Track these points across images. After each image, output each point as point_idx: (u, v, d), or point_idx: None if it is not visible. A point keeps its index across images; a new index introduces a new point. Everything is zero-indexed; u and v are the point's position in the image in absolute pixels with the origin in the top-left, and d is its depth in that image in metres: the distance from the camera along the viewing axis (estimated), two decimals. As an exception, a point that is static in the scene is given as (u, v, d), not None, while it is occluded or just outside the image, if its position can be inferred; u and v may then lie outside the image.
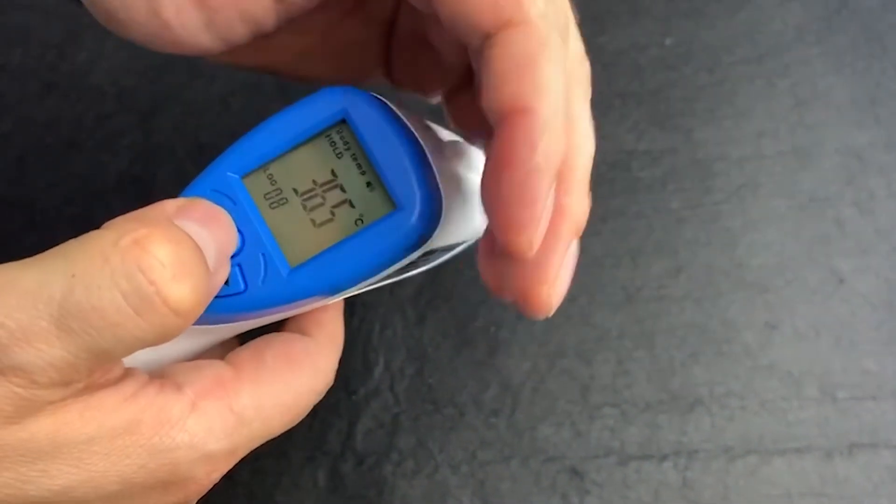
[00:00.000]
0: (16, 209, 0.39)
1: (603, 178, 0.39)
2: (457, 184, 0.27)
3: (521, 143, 0.21)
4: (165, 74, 0.42)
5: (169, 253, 0.21)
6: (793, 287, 0.37)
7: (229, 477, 0.36)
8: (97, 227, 0.22)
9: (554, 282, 0.23)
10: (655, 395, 0.36)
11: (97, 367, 0.22)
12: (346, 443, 0.36)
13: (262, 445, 0.36)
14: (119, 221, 0.22)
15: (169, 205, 0.23)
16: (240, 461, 0.35)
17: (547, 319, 0.37)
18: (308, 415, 0.36)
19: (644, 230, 0.38)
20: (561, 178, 0.23)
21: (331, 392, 0.37)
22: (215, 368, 0.26)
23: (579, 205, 0.24)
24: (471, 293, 0.38)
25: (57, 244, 0.21)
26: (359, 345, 0.37)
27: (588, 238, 0.38)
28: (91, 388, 0.22)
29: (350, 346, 0.37)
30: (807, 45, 0.41)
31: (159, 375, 0.25)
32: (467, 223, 0.29)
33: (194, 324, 0.26)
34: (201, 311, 0.22)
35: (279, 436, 0.36)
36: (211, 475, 0.26)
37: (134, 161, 0.40)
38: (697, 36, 0.41)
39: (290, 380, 0.27)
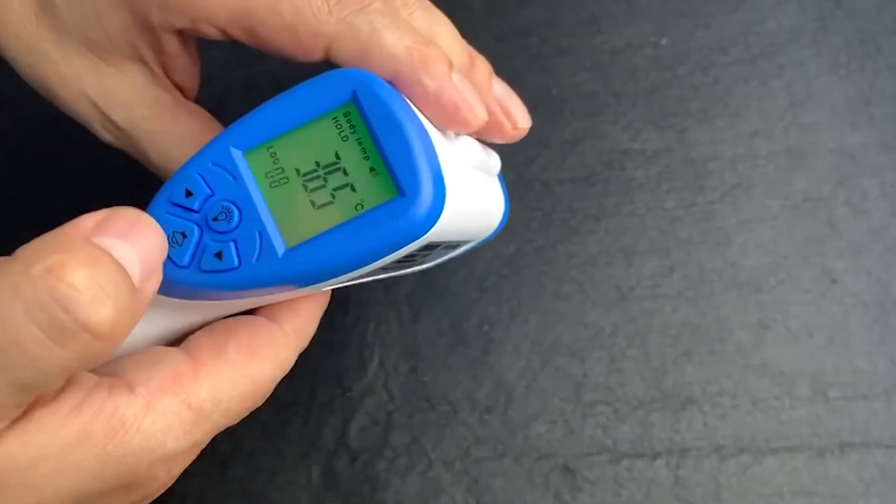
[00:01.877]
0: (13, 205, 0.40)
1: (597, 178, 0.39)
2: (461, 178, 0.27)
3: (419, 89, 0.26)
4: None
5: (84, 277, 0.20)
6: (785, 286, 0.38)
7: (223, 472, 0.36)
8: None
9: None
10: (648, 393, 0.36)
11: (26, 400, 0.21)
12: (341, 440, 0.36)
13: (256, 441, 0.37)
14: (31, 248, 0.21)
15: (86, 221, 0.22)
16: (234, 457, 0.35)
17: (541, 318, 0.37)
18: (302, 411, 0.37)
19: (638, 229, 0.39)
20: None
21: (325, 389, 0.37)
22: (172, 361, 0.25)
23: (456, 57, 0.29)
24: (465, 291, 0.38)
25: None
26: (353, 342, 0.37)
27: (582, 237, 0.39)
28: (28, 412, 0.22)
29: (344, 343, 0.37)
30: (801, 45, 0.41)
31: (110, 374, 0.24)
32: (470, 221, 0.29)
33: (183, 297, 0.25)
34: (129, 330, 0.22)
35: (273, 432, 0.37)
36: (172, 471, 0.25)
37: (131, 158, 0.41)
38: (693, 36, 0.41)
39: (250, 371, 0.26)
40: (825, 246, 0.38)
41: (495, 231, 0.32)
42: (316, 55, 0.27)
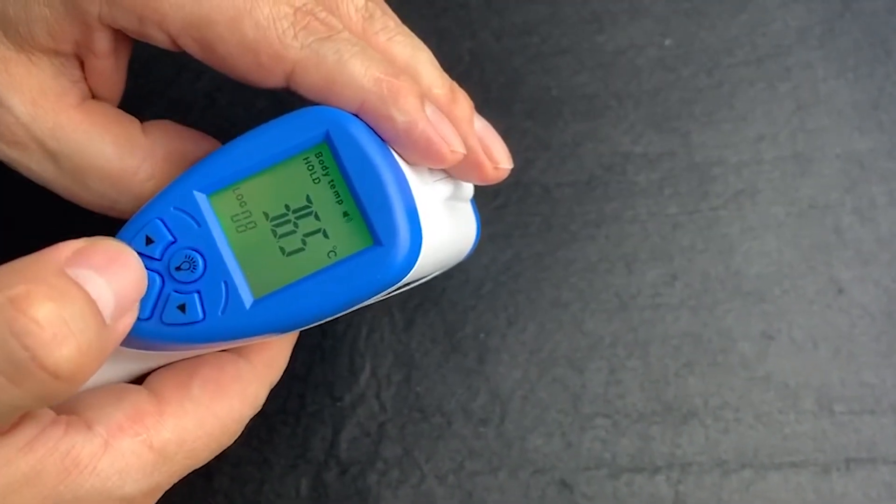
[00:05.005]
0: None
1: (598, 182, 0.38)
2: (436, 216, 0.26)
3: (387, 123, 0.24)
4: (151, 70, 0.41)
5: (49, 312, 0.19)
6: (790, 296, 0.37)
7: (208, 483, 0.35)
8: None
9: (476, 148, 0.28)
10: (648, 405, 0.35)
11: None
12: (330, 451, 0.35)
13: (244, 451, 0.35)
14: None
15: (64, 250, 0.21)
16: (220, 468, 0.34)
17: (539, 326, 0.36)
18: (291, 420, 0.36)
19: (639, 235, 0.38)
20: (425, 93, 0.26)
21: (315, 398, 0.36)
22: (134, 400, 0.24)
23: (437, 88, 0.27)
24: (461, 298, 0.37)
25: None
26: (345, 350, 0.36)
27: (582, 242, 0.38)
28: None
29: (336, 351, 0.36)
30: (809, 48, 0.40)
31: (68, 411, 0.23)
32: (443, 256, 0.28)
33: (144, 349, 0.24)
34: (93, 371, 0.20)
35: (260, 441, 0.35)
36: None
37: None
38: (697, 37, 0.40)
39: (216, 409, 0.25)
40: (831, 254, 0.37)
41: (467, 255, 0.32)
42: (274, 81, 0.25)
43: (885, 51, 0.40)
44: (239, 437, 0.35)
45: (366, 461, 0.35)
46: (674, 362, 0.36)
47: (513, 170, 0.38)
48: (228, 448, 0.35)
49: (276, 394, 0.36)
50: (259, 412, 0.35)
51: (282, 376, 0.36)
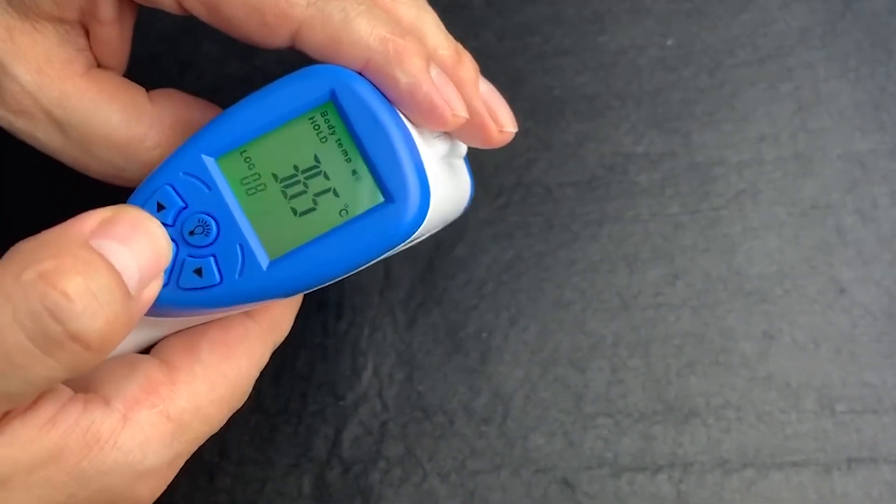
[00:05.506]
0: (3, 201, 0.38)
1: (599, 182, 0.38)
2: (439, 169, 0.26)
3: (391, 83, 0.24)
4: (154, 67, 0.41)
5: (78, 286, 0.19)
6: (792, 296, 0.37)
7: (211, 483, 0.35)
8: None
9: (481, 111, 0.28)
10: (650, 405, 0.35)
11: (7, 409, 0.20)
12: (333, 450, 0.35)
13: (246, 450, 0.35)
14: (25, 249, 0.20)
15: (88, 221, 0.21)
16: (223, 467, 0.34)
17: (541, 326, 0.36)
18: (293, 420, 0.36)
19: (641, 235, 0.38)
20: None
21: (317, 397, 0.36)
22: (146, 371, 0.24)
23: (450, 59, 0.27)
24: (462, 297, 0.37)
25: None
26: (347, 349, 0.36)
27: (584, 242, 0.38)
28: (0, 425, 0.21)
29: (338, 350, 0.36)
30: (810, 48, 0.40)
31: (84, 388, 0.23)
32: (446, 212, 0.28)
33: (162, 315, 0.24)
34: (120, 341, 0.21)
35: (263, 440, 0.36)
36: (155, 490, 0.24)
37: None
38: (699, 37, 0.40)
39: (226, 370, 0.25)
40: (833, 255, 0.37)
41: (462, 211, 0.32)
42: (280, 40, 0.25)
43: (887, 51, 0.40)
44: (242, 436, 0.35)
45: (368, 460, 0.35)
46: (675, 362, 0.36)
47: (515, 170, 0.38)
48: (231, 447, 0.35)
49: (278, 393, 0.36)
50: (261, 411, 0.36)
51: (283, 375, 0.36)
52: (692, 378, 0.36)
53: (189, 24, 0.39)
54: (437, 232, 0.36)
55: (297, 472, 0.35)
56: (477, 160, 0.38)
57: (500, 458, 0.35)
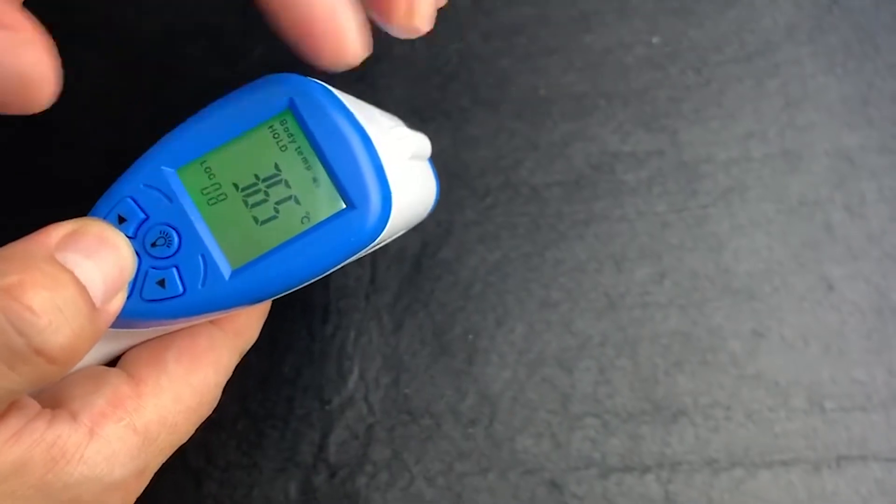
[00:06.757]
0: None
1: (586, 181, 0.38)
2: (400, 175, 0.26)
3: None
4: (139, 73, 0.41)
5: (43, 300, 0.19)
6: (781, 294, 0.36)
7: (197, 488, 0.35)
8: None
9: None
10: (638, 405, 0.35)
11: None
12: (319, 454, 0.35)
13: (232, 455, 0.35)
14: None
15: (53, 234, 0.21)
16: (209, 472, 0.34)
17: (528, 326, 0.36)
18: (279, 424, 0.35)
19: (628, 234, 0.37)
20: None
21: (303, 401, 0.36)
22: (113, 385, 0.24)
23: None
24: (449, 299, 0.37)
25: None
26: (333, 353, 0.36)
27: (571, 242, 0.37)
28: None
29: (324, 354, 0.36)
30: (797, 44, 0.40)
31: (52, 403, 0.23)
32: (410, 215, 0.28)
33: (126, 328, 0.24)
34: (85, 353, 0.21)
35: (249, 445, 0.35)
36: (124, 500, 0.24)
37: (108, 160, 0.39)
38: (685, 34, 0.40)
39: (192, 381, 0.25)
40: (822, 252, 0.37)
41: (428, 213, 0.32)
42: None
43: (874, 46, 0.39)
44: (228, 440, 0.35)
45: (355, 464, 0.35)
46: (663, 361, 0.36)
47: (501, 171, 0.38)
48: (217, 452, 0.35)
49: (264, 398, 0.36)
50: (248, 416, 0.35)
51: (270, 380, 0.36)
52: (680, 377, 0.35)
53: (172, 29, 0.39)
54: (423, 233, 0.36)
55: (283, 477, 0.35)
56: (462, 161, 0.38)
57: (488, 460, 0.35)
